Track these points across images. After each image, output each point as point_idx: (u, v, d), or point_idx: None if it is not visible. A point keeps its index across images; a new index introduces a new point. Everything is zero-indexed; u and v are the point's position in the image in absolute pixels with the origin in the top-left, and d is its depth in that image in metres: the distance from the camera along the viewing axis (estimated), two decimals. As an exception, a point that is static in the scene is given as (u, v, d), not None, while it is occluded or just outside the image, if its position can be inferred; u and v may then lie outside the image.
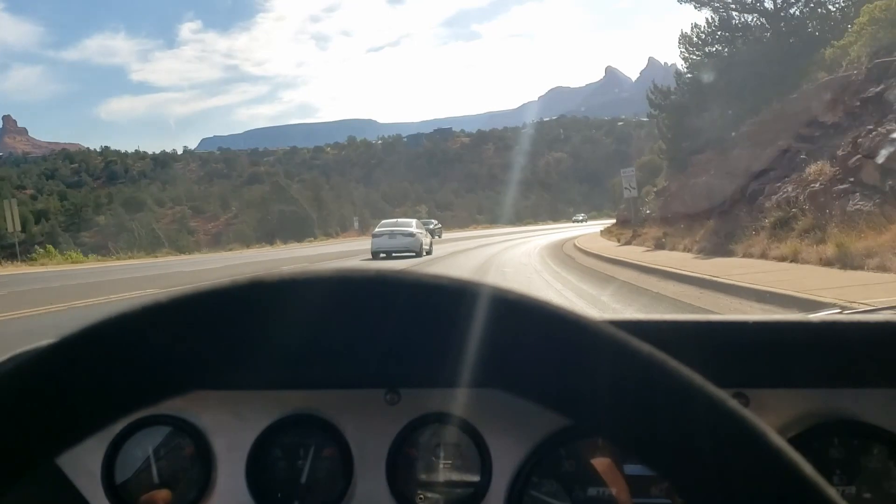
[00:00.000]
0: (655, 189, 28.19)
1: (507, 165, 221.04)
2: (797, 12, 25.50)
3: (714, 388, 0.36)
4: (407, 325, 0.37)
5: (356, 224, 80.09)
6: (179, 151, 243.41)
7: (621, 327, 0.57)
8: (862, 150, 11.56)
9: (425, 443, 1.03)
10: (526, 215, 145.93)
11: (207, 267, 26.95)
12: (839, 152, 12.32)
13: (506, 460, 0.99)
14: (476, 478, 1.01)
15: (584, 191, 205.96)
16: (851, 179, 11.63)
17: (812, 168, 13.21)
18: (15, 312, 11.93)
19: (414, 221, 28.03)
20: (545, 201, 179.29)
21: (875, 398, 0.92)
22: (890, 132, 11.11)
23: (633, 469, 0.97)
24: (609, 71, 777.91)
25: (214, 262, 31.55)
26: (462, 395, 1.00)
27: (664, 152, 28.40)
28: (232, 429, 1.05)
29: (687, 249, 16.30)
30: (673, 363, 0.37)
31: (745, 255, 12.76)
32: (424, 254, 25.84)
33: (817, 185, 12.56)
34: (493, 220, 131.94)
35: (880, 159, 10.92)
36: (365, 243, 50.49)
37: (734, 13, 25.65)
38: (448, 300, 0.37)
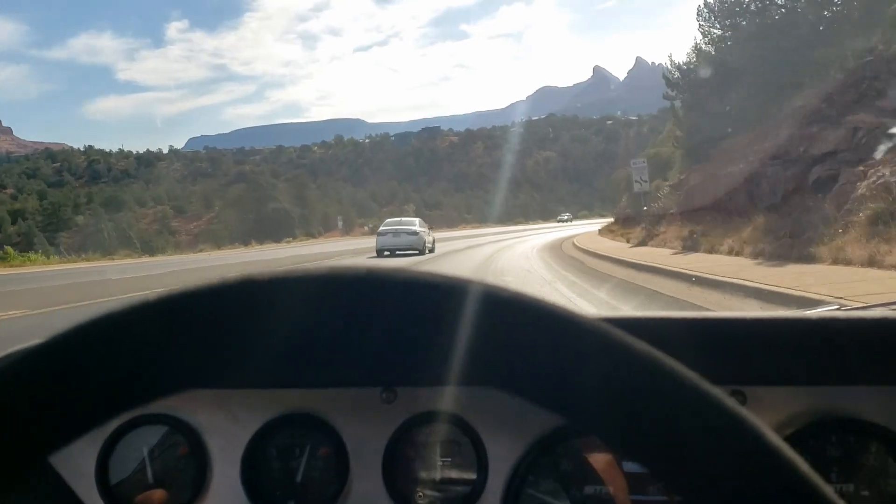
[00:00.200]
0: (669, 183, 24.91)
1: (495, 164, 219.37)
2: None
3: (710, 386, 0.36)
4: (398, 323, 0.37)
5: (340, 223, 77.22)
6: (165, 151, 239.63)
7: (617, 325, 0.55)
8: None
9: (421, 441, 1.02)
10: (515, 214, 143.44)
11: (135, 275, 24.06)
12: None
13: (502, 458, 0.99)
14: (473, 476, 1.00)
15: (574, 190, 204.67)
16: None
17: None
18: None
19: (417, 220, 27.95)
20: (534, 201, 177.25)
21: (873, 395, 0.92)
22: None
23: (631, 466, 0.97)
24: (597, 71, 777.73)
25: (157, 268, 28.75)
26: (458, 394, 1.00)
27: (679, 140, 25.02)
28: (227, 428, 1.05)
29: (735, 252, 13.07)
30: (669, 361, 0.36)
31: (836, 262, 9.49)
32: (427, 252, 25.81)
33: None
34: (482, 219, 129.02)
35: None
36: (348, 244, 49.06)
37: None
38: (440, 298, 0.37)
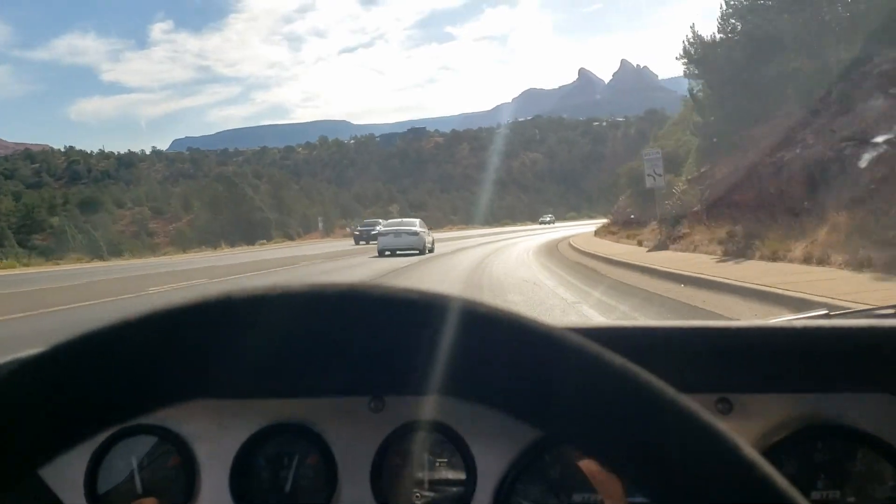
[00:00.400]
0: (685, 178, 21.76)
1: (481, 166, 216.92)
2: None
3: (685, 400, 0.36)
4: (376, 338, 0.38)
5: (320, 224, 73.94)
6: (148, 152, 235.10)
7: (602, 335, 0.59)
8: None
9: (410, 450, 1.02)
10: (502, 216, 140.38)
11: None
12: None
13: (490, 467, 0.99)
14: (461, 485, 1.00)
15: (561, 191, 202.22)
16: None
17: None
18: None
19: (417, 221, 28.50)
20: (521, 202, 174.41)
21: (858, 402, 0.93)
22: None
23: None
24: (582, 73, 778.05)
25: (80, 276, 25.97)
26: (446, 403, 1.00)
27: (698, 128, 21.81)
28: (216, 438, 1.05)
29: (818, 260, 9.85)
30: (643, 374, 0.36)
31: None
32: (427, 251, 26.34)
33: None
34: (468, 220, 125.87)
35: None
36: (323, 246, 46.10)
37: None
38: (416, 314, 0.37)
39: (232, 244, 61.72)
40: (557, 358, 0.37)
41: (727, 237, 13.87)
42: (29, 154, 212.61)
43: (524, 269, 16.63)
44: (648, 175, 20.17)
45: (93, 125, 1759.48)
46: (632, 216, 32.39)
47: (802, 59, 16.19)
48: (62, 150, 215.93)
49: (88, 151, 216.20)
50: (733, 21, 19.95)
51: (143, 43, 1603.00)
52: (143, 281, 19.39)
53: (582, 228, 52.41)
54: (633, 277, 12.32)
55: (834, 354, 0.87)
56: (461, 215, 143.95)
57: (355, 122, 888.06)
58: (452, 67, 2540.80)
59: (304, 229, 75.09)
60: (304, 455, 1.04)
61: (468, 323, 0.37)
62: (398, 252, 25.73)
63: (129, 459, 1.05)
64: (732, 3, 19.96)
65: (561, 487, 0.97)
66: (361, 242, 45.07)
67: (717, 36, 20.58)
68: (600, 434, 0.36)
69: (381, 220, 47.31)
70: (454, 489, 1.01)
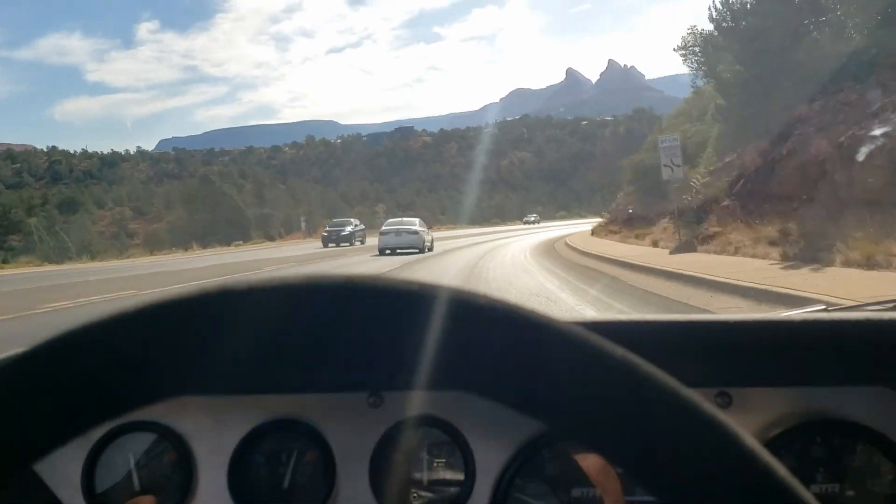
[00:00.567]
0: (709, 168, 19.18)
1: (470, 165, 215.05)
2: None
3: (687, 391, 0.36)
4: (372, 329, 0.37)
5: (303, 225, 70.74)
6: (133, 152, 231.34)
7: (602, 328, 0.58)
8: None
9: (408, 446, 1.02)
10: (491, 215, 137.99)
11: None
12: None
13: (490, 462, 0.99)
14: (460, 480, 1.01)
15: (550, 190, 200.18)
16: None
17: None
18: None
19: (417, 220, 29.16)
20: (510, 201, 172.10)
21: (858, 396, 0.93)
22: None
23: None
24: (570, 73, 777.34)
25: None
26: (445, 398, 1.00)
27: (722, 111, 19.17)
28: (214, 434, 1.05)
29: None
30: (645, 366, 0.36)
31: None
32: (426, 250, 26.88)
33: None
34: (457, 220, 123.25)
35: None
36: (303, 248, 41.87)
37: None
38: (414, 305, 0.37)
39: (206, 245, 58.74)
40: (559, 349, 0.36)
41: (780, 236, 11.29)
42: (10, 154, 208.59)
43: (527, 276, 14.06)
44: (665, 166, 17.59)
45: (78, 126, 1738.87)
46: (630, 212, 29.96)
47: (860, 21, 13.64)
48: (45, 149, 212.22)
49: (72, 151, 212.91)
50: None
51: (129, 43, 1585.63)
52: (41, 295, 15.96)
53: (574, 228, 50.22)
54: (674, 289, 9.70)
55: (833, 348, 0.88)
56: (449, 215, 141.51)
57: (343, 122, 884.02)
58: (440, 67, 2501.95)
59: (287, 230, 72.16)
60: (303, 451, 1.03)
61: (464, 313, 0.37)
62: (398, 251, 26.29)
63: (126, 457, 1.05)
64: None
65: (560, 483, 0.97)
66: (331, 245, 40.40)
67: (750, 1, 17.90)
68: (601, 426, 0.36)
69: (353, 220, 44.52)
70: (454, 484, 1.00)
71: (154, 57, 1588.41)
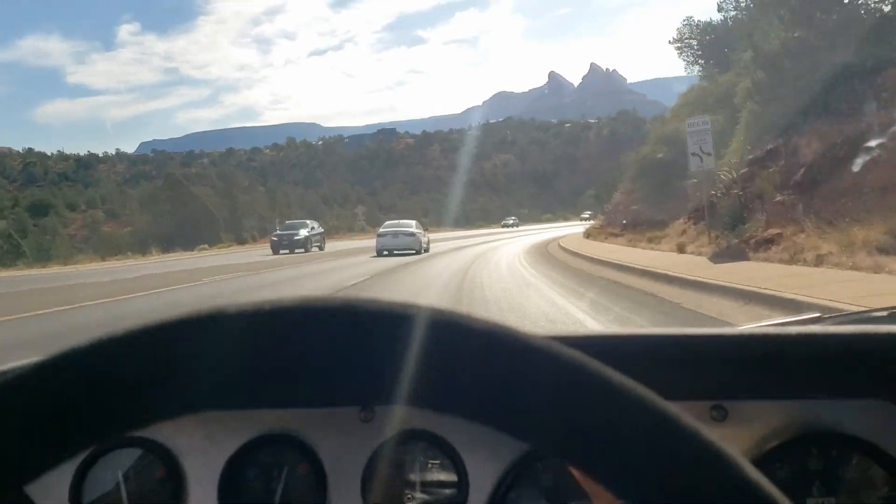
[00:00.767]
0: (745, 157, 16.11)
1: (453, 167, 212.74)
2: None
3: (670, 407, 0.36)
4: (354, 352, 0.37)
5: (278, 227, 66.55)
6: (112, 154, 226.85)
7: (597, 343, 0.60)
8: None
9: (400, 460, 1.01)
10: (475, 218, 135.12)
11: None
12: None
13: (483, 477, 0.98)
14: (453, 495, 1.00)
15: (534, 193, 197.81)
16: None
17: None
18: None
19: (413, 223, 29.92)
20: (493, 203, 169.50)
21: (853, 408, 0.93)
22: None
23: None
24: (552, 76, 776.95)
25: None
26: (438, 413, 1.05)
27: (761, 88, 16.10)
28: (204, 450, 1.03)
29: None
30: (624, 380, 0.36)
31: None
32: (423, 252, 27.20)
33: None
34: (440, 222, 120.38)
35: None
36: (260, 254, 37.57)
37: None
38: (389, 326, 0.37)
39: (168, 249, 55.28)
40: (535, 367, 0.36)
41: (871, 239, 8.30)
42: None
43: (534, 293, 11.13)
44: (693, 154, 14.68)
45: (58, 128, 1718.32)
46: (624, 218, 27.21)
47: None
48: (20, 151, 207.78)
49: (48, 154, 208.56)
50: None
51: (109, 45, 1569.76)
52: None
53: (560, 231, 48.00)
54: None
55: (828, 361, 0.88)
56: (432, 217, 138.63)
57: (325, 124, 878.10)
58: (422, 71, 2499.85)
59: (262, 233, 68.57)
60: (294, 466, 1.02)
61: (440, 332, 0.37)
62: (395, 252, 26.42)
63: (115, 473, 1.03)
64: None
65: (555, 495, 0.97)
66: (282, 251, 34.64)
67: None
68: (583, 444, 0.36)
69: (309, 222, 39.68)
70: (446, 500, 1.00)
71: (135, 59, 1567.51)
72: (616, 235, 27.51)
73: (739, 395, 0.93)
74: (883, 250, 8.31)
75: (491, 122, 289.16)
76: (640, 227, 24.36)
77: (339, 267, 21.19)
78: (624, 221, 27.93)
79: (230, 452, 1.02)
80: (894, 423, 0.91)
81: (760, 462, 0.93)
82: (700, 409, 0.93)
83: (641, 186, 26.74)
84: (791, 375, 0.89)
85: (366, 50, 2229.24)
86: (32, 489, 1.00)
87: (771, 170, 12.98)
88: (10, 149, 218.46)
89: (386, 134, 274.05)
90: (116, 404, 0.38)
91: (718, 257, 12.25)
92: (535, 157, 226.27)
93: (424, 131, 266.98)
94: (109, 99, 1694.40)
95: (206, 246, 57.43)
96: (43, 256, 53.50)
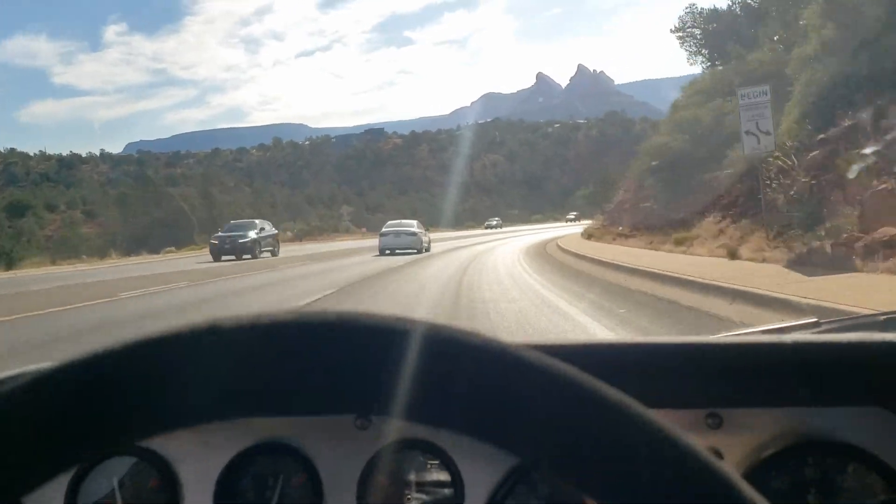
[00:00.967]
0: (814, 138, 12.98)
1: (441, 167, 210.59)
2: None
3: (662, 422, 0.35)
4: (345, 365, 0.38)
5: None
6: (98, 155, 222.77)
7: (594, 353, 0.61)
8: None
9: (396, 469, 1.01)
10: (465, 218, 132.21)
11: None
12: None
13: (479, 486, 0.98)
14: (451, 497, 1.00)
15: (523, 193, 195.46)
16: None
17: None
18: None
19: (415, 223, 30.56)
20: (483, 204, 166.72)
21: (850, 416, 0.93)
22: None
23: None
24: (540, 77, 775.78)
25: None
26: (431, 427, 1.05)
27: (835, 47, 12.90)
28: (199, 458, 1.02)
29: None
30: (620, 398, 0.36)
31: None
32: (424, 251, 27.69)
33: None
34: (429, 224, 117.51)
35: None
36: (199, 260, 33.65)
37: None
38: (383, 340, 0.37)
39: (132, 252, 51.98)
40: (528, 383, 0.36)
41: None
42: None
43: (560, 318, 8.07)
44: (747, 133, 11.66)
45: (45, 128, 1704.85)
46: (632, 216, 24.37)
47: None
48: (2, 151, 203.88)
49: (31, 154, 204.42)
50: None
51: (96, 45, 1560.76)
52: None
53: (554, 232, 45.55)
54: None
55: (824, 369, 0.88)
56: (420, 218, 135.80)
57: (313, 125, 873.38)
58: (411, 71, 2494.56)
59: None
60: (290, 474, 1.02)
61: (433, 348, 0.37)
62: (397, 251, 26.83)
63: (110, 481, 1.03)
64: None
65: (552, 502, 0.97)
66: (225, 257, 29.66)
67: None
68: (576, 460, 0.36)
69: (258, 222, 33.59)
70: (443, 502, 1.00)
71: (122, 60, 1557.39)
72: (626, 236, 24.64)
73: (735, 402, 0.93)
74: None
75: (479, 122, 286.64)
76: (654, 227, 21.49)
77: (285, 280, 17.00)
78: (631, 221, 25.15)
79: (226, 461, 1.01)
80: (891, 431, 0.91)
81: (756, 470, 0.93)
82: (695, 417, 0.94)
83: (654, 181, 23.71)
84: (786, 384, 0.90)
85: (354, 50, 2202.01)
86: (26, 497, 0.98)
87: (859, 151, 9.96)
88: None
89: (374, 134, 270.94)
90: (112, 417, 0.38)
91: (800, 265, 9.21)
92: (525, 157, 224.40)
93: (413, 131, 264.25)
94: (96, 100, 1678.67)
95: (173, 249, 54.01)
96: (3, 259, 50.26)
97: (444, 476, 0.99)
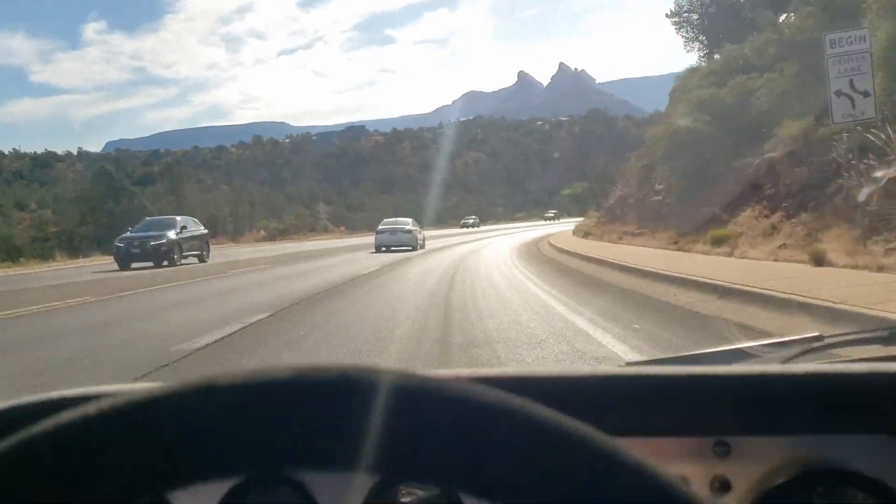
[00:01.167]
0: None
1: (424, 166, 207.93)
2: None
3: (655, 469, 0.35)
4: (311, 420, 0.37)
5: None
6: (75, 153, 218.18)
7: (600, 384, 0.60)
8: None
9: (396, 500, 1.00)
10: (448, 217, 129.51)
11: None
12: None
13: None
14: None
15: (506, 191, 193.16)
16: None
17: None
18: None
19: (410, 220, 31.47)
20: (466, 202, 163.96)
21: (860, 445, 0.93)
22: None
23: None
24: (521, 76, 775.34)
25: None
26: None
27: None
28: (193, 490, 1.01)
29: None
30: (576, 428, 0.35)
31: None
32: (419, 248, 28.89)
33: None
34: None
35: None
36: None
37: None
38: (355, 393, 0.37)
39: (86, 252, 48.64)
40: (506, 431, 0.35)
41: None
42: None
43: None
44: (838, 94, 8.80)
45: (22, 127, 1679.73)
46: (638, 212, 21.82)
47: None
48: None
49: (4, 152, 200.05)
50: None
51: (75, 43, 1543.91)
52: None
53: (539, 231, 43.71)
54: None
55: (834, 398, 0.88)
56: (403, 216, 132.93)
57: (295, 123, 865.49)
58: (392, 70, 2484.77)
59: (213, 231, 62.49)
60: None
61: (392, 398, 0.36)
62: (392, 248, 27.61)
63: None
64: None
65: None
66: (134, 264, 23.17)
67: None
68: (540, 499, 0.35)
69: (180, 219, 26.85)
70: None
71: (101, 58, 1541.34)
72: (634, 234, 21.93)
73: (743, 430, 0.93)
74: None
75: (461, 120, 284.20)
76: (668, 223, 18.80)
77: (189, 301, 12.30)
78: (637, 218, 22.53)
79: (222, 493, 0.98)
80: None
81: (766, 499, 0.93)
82: (703, 445, 0.94)
83: (666, 171, 20.86)
84: (796, 412, 0.90)
85: (336, 49, 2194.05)
86: None
87: None
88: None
89: (355, 132, 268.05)
90: (100, 479, 0.37)
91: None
92: (507, 155, 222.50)
93: (394, 129, 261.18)
94: (76, 98, 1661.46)
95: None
96: (-46, 261, 46.88)
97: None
